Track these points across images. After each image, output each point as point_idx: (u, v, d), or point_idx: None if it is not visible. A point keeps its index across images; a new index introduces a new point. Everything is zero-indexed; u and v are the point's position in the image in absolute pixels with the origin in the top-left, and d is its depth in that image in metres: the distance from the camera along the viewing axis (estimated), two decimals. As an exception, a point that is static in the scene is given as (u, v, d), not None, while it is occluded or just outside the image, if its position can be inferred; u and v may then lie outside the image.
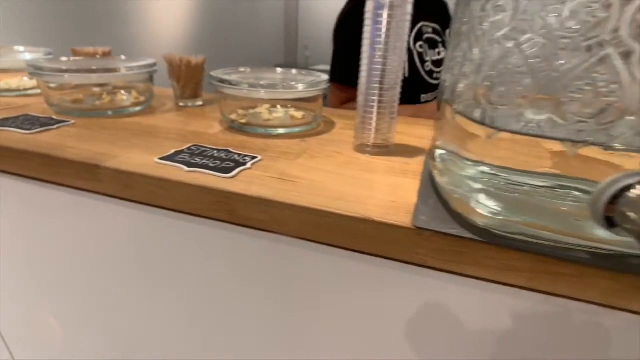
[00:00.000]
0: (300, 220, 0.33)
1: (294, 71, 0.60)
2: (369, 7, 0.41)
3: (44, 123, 0.51)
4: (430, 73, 0.91)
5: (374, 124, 0.46)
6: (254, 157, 0.42)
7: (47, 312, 0.59)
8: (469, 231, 0.29)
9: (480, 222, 0.28)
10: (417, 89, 0.91)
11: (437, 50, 0.93)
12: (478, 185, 0.28)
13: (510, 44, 0.24)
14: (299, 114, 0.58)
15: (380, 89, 0.43)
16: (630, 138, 0.22)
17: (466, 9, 0.28)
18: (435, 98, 0.93)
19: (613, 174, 0.21)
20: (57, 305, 0.57)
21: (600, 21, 0.21)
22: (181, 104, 0.66)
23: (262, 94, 0.51)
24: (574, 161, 0.24)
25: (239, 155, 0.43)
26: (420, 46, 0.89)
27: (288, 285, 0.40)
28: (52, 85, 0.59)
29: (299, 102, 0.59)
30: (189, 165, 0.39)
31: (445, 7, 0.99)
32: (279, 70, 0.61)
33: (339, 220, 0.32)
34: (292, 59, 4.06)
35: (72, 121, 0.53)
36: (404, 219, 0.31)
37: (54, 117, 0.55)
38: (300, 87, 0.49)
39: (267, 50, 3.68)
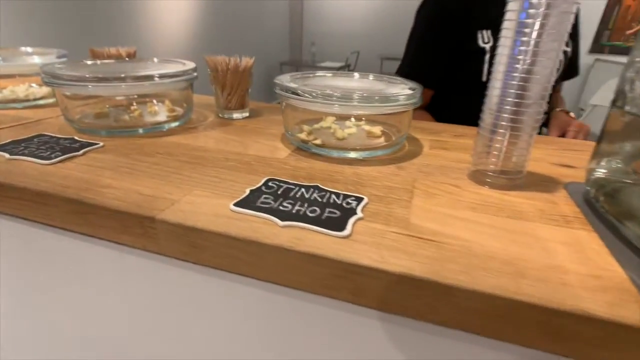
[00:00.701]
0: (473, 309, 0.22)
1: (371, 77, 0.48)
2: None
3: (66, 148, 0.40)
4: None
5: (503, 148, 0.35)
6: (358, 199, 0.31)
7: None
8: None
9: None
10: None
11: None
12: None
13: None
14: (376, 130, 0.47)
15: (519, 105, 0.32)
16: None
17: None
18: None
19: None
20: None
21: None
22: (225, 116, 0.55)
23: (355, 107, 0.39)
24: None
25: (337, 195, 0.32)
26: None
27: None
28: (70, 93, 0.47)
29: (376, 115, 0.48)
30: (281, 216, 0.28)
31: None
32: (355, 75, 0.49)
33: (537, 315, 0.21)
34: (297, 56, 3.93)
35: (100, 143, 0.42)
36: (633, 311, 0.20)
37: (76, 137, 0.44)
38: (401, 99, 0.38)
39: (272, 47, 3.56)
